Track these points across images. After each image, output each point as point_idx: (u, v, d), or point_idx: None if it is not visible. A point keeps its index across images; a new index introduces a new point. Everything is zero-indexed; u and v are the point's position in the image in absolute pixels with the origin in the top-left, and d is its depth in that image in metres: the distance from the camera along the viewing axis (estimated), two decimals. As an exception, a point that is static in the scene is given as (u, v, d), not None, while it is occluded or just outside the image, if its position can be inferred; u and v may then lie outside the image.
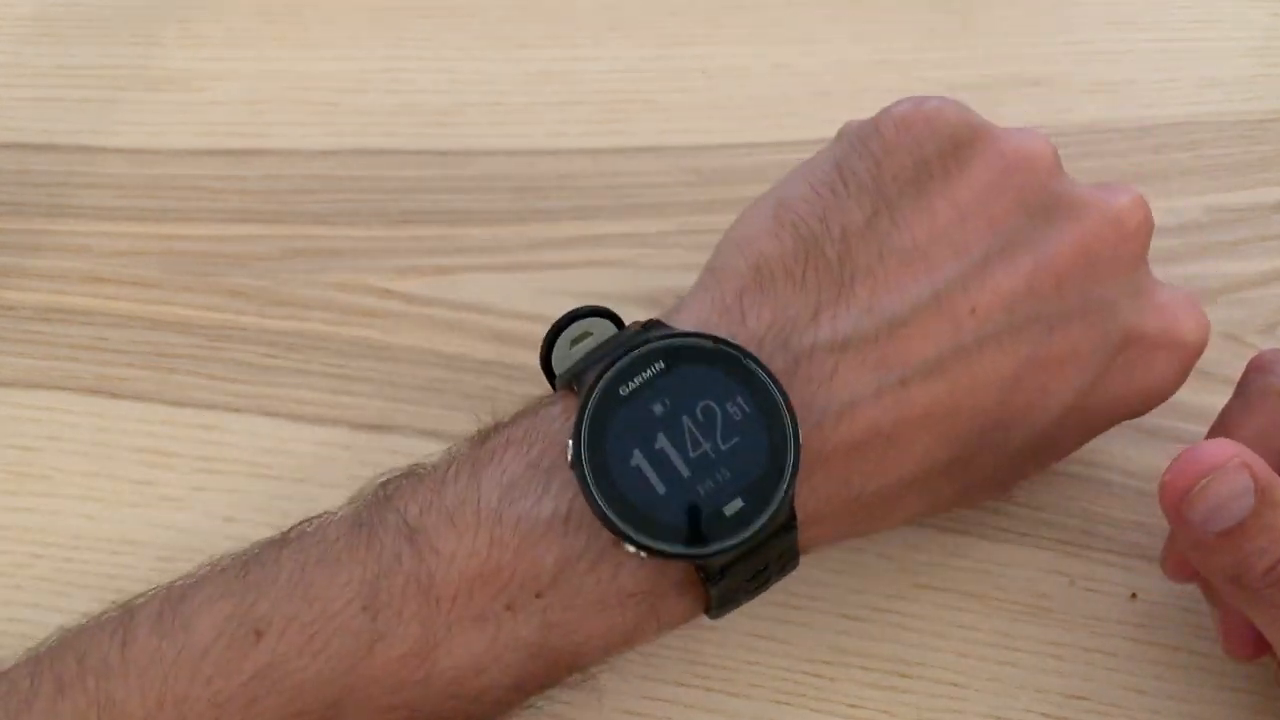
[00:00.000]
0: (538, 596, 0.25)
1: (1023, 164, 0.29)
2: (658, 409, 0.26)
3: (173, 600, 0.26)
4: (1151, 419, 0.37)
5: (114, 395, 0.39)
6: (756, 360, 0.26)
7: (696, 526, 0.25)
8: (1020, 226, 0.28)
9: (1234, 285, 0.40)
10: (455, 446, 0.28)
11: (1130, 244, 0.30)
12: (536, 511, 0.25)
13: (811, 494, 0.27)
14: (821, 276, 0.27)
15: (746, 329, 0.27)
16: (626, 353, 0.26)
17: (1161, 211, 0.42)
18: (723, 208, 0.42)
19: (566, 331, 0.29)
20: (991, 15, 0.47)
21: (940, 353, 0.27)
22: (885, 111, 0.30)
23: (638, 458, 0.25)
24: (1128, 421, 0.37)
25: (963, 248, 0.28)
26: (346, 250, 0.42)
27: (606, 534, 0.25)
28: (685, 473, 0.25)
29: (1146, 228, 0.30)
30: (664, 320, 0.28)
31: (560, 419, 0.27)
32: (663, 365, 0.26)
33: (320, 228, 0.42)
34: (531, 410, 0.28)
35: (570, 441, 0.25)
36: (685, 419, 0.25)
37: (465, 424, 0.38)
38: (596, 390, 0.26)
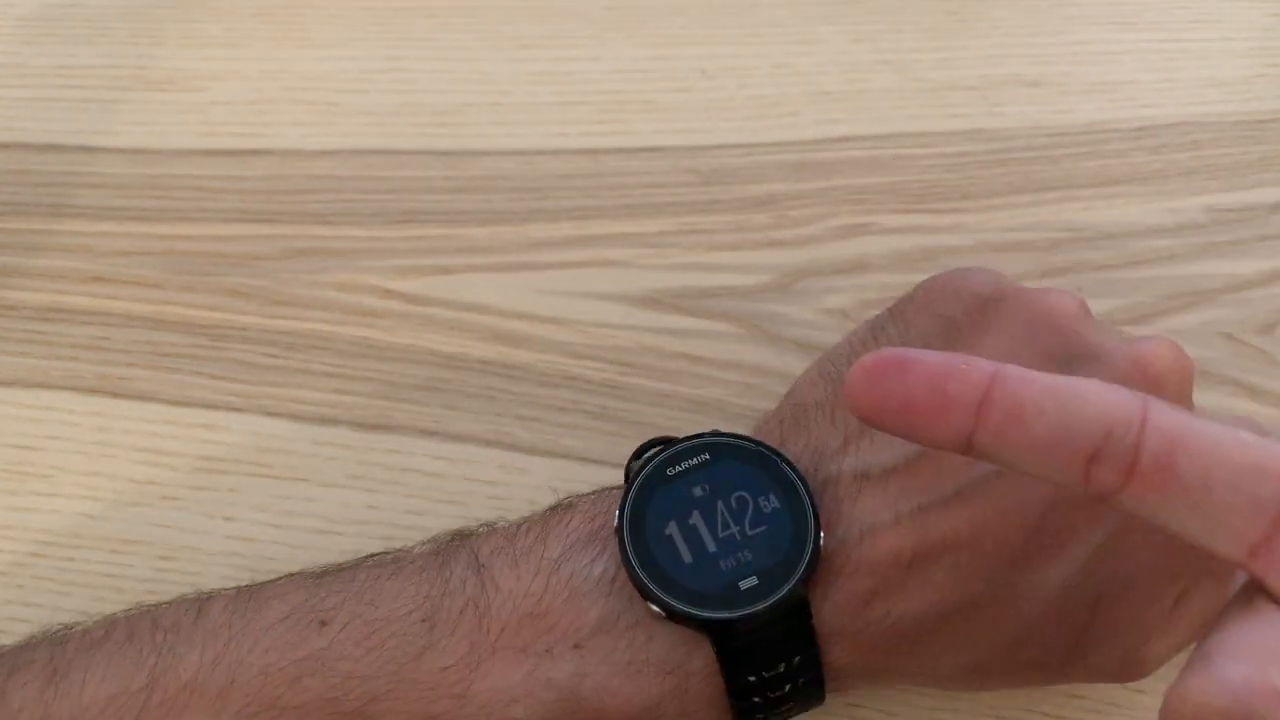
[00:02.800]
0: (575, 647, 0.28)
1: (1047, 316, 0.30)
2: (698, 492, 0.29)
3: (250, 591, 0.29)
4: (1150, 419, 0.37)
5: (115, 395, 0.39)
6: (791, 465, 0.29)
7: (713, 595, 0.27)
8: (1042, 369, 0.27)
9: (1233, 285, 0.40)
10: (533, 512, 0.31)
11: (1162, 390, 0.28)
12: (588, 570, 0.28)
13: (832, 607, 0.28)
14: (849, 415, 0.29)
15: (784, 450, 0.30)
16: (677, 443, 0.30)
17: (1161, 212, 0.42)
18: (723, 208, 0.43)
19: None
20: (991, 15, 0.47)
21: (959, 484, 0.28)
22: (924, 281, 0.32)
23: (672, 529, 0.28)
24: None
25: None
26: (347, 250, 0.42)
27: (642, 603, 0.28)
28: (712, 548, 0.28)
29: (1177, 372, 0.29)
30: None
31: (619, 498, 0.29)
32: (708, 457, 0.29)
33: (321, 228, 0.42)
34: (600, 492, 0.31)
35: (617, 510, 0.29)
36: (720, 504, 0.28)
37: (465, 424, 0.38)
38: (647, 468, 0.29)
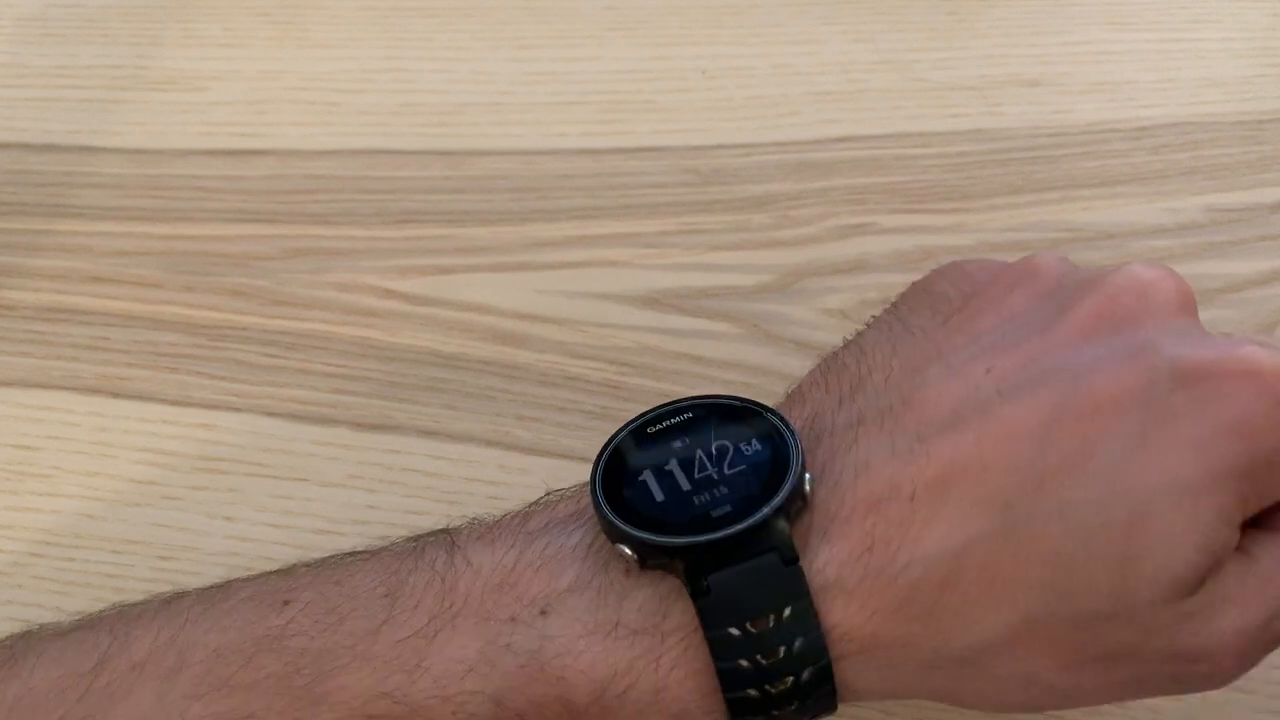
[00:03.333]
0: (542, 613, 0.26)
1: (1031, 268, 0.29)
2: (677, 445, 0.28)
3: (222, 585, 0.29)
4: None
5: (115, 395, 0.39)
6: (778, 414, 0.27)
7: (681, 524, 0.26)
8: (1039, 313, 0.28)
9: (1234, 285, 0.40)
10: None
11: (1158, 292, 0.28)
12: (564, 540, 0.27)
13: (831, 559, 0.25)
14: (842, 379, 0.29)
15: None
16: (661, 405, 0.28)
17: (1161, 212, 0.42)
18: (723, 208, 0.43)
19: None
20: (991, 15, 0.47)
21: (957, 409, 0.26)
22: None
23: (646, 475, 0.27)
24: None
25: (976, 333, 0.28)
26: (347, 250, 0.42)
27: (620, 565, 0.26)
28: (685, 486, 0.27)
29: (1171, 278, 0.28)
30: None
31: None
32: (689, 416, 0.28)
33: (321, 228, 0.42)
34: (587, 485, 0.30)
35: (595, 457, 0.27)
36: (699, 452, 0.27)
37: (465, 424, 0.38)
38: (628, 426, 0.28)
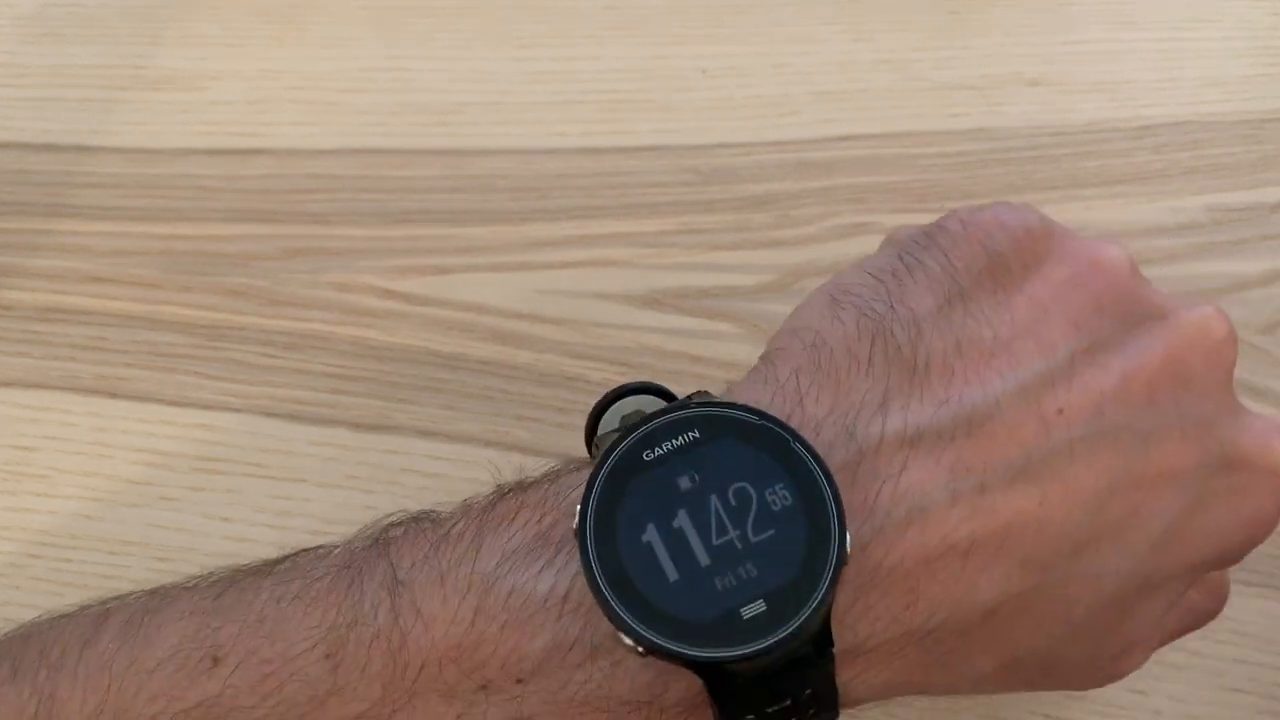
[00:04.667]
0: (518, 682, 0.22)
1: (1101, 264, 0.26)
2: (684, 483, 0.22)
3: (149, 610, 0.25)
4: (1152, 419, 0.37)
5: (113, 395, 0.39)
6: (806, 445, 0.23)
7: (706, 627, 0.21)
8: (1105, 329, 0.26)
9: (1235, 285, 0.40)
10: (472, 500, 0.25)
11: (1220, 358, 0.26)
12: (532, 586, 0.23)
13: (864, 615, 0.23)
14: (891, 361, 0.24)
15: (804, 412, 0.24)
16: (656, 416, 0.23)
17: (1162, 211, 0.42)
18: (723, 208, 0.42)
19: (616, 406, 0.26)
20: (991, 15, 0.47)
21: (1026, 456, 0.24)
22: (950, 213, 0.28)
23: (651, 534, 0.22)
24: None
25: (1048, 345, 0.25)
26: (346, 250, 0.42)
27: (606, 624, 0.22)
28: (704, 561, 0.22)
29: (1232, 343, 0.27)
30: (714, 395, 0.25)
31: (579, 487, 0.23)
32: (697, 435, 0.23)
33: (320, 227, 0.42)
34: (554, 475, 0.25)
35: (579, 506, 0.22)
36: (714, 499, 0.22)
37: (464, 424, 0.38)
38: (618, 450, 0.23)
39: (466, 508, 0.25)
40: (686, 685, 0.23)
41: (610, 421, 0.26)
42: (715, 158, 0.44)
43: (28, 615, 0.35)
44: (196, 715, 0.23)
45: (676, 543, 0.22)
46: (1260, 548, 0.35)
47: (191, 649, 0.24)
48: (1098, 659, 0.27)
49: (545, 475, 0.25)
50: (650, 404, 0.26)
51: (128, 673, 0.24)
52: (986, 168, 0.43)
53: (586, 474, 0.24)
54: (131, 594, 0.27)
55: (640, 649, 0.22)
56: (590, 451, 0.27)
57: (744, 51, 0.46)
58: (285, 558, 0.26)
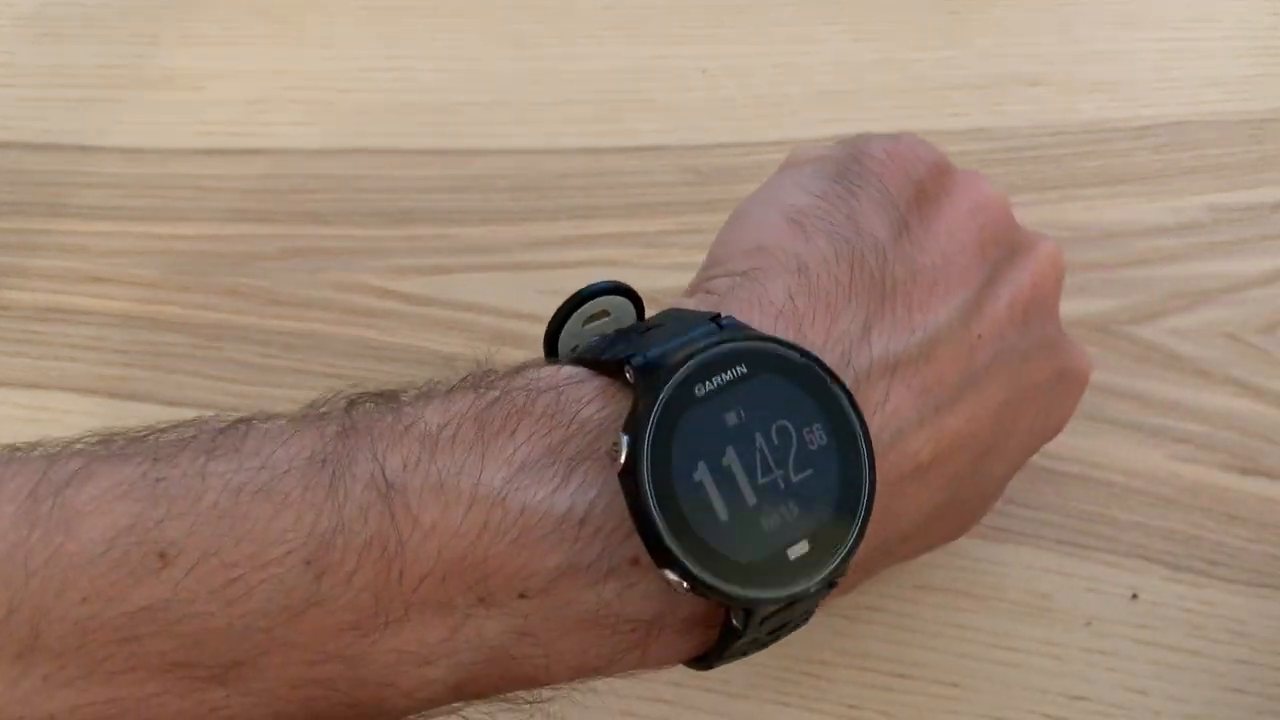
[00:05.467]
0: (521, 597, 0.22)
1: (988, 198, 0.29)
2: (731, 419, 0.22)
3: (54, 482, 0.21)
4: (1153, 419, 0.37)
5: (112, 395, 0.39)
6: (844, 387, 0.23)
7: (759, 566, 0.22)
8: (997, 258, 0.29)
9: (1235, 285, 0.40)
10: (446, 384, 0.24)
11: (1059, 286, 0.31)
12: (548, 505, 0.22)
13: None
14: (868, 286, 0.25)
15: (804, 338, 0.24)
16: (708, 346, 0.23)
17: (1163, 211, 0.42)
18: (723, 207, 0.42)
19: (583, 309, 0.26)
20: (991, 15, 0.47)
21: (962, 378, 0.26)
22: (865, 141, 0.30)
23: (702, 472, 0.22)
24: (1130, 423, 0.37)
25: (967, 274, 0.28)
26: (345, 250, 0.42)
27: (625, 548, 0.22)
28: (751, 500, 0.22)
29: (1064, 272, 0.31)
30: (694, 310, 0.25)
31: (593, 404, 0.23)
32: (744, 370, 0.23)
33: (319, 227, 0.42)
34: (548, 382, 0.23)
35: (625, 437, 0.21)
36: (759, 437, 0.22)
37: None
38: (671, 383, 0.22)
39: (445, 399, 0.23)
40: (692, 607, 0.23)
41: (574, 324, 0.26)
42: (715, 158, 0.44)
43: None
44: (140, 619, 0.21)
45: (726, 481, 0.22)
46: (1260, 548, 0.35)
47: (130, 543, 0.21)
48: (965, 527, 0.31)
49: (533, 379, 0.24)
50: (614, 304, 0.26)
51: (49, 566, 0.21)
52: (986, 168, 0.43)
53: (591, 386, 0.23)
54: (6, 449, 0.23)
55: (687, 586, 0.21)
56: (549, 354, 0.26)
57: (744, 51, 0.46)
58: (219, 430, 0.23)
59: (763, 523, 0.22)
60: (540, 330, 0.40)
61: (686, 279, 0.41)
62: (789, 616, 0.24)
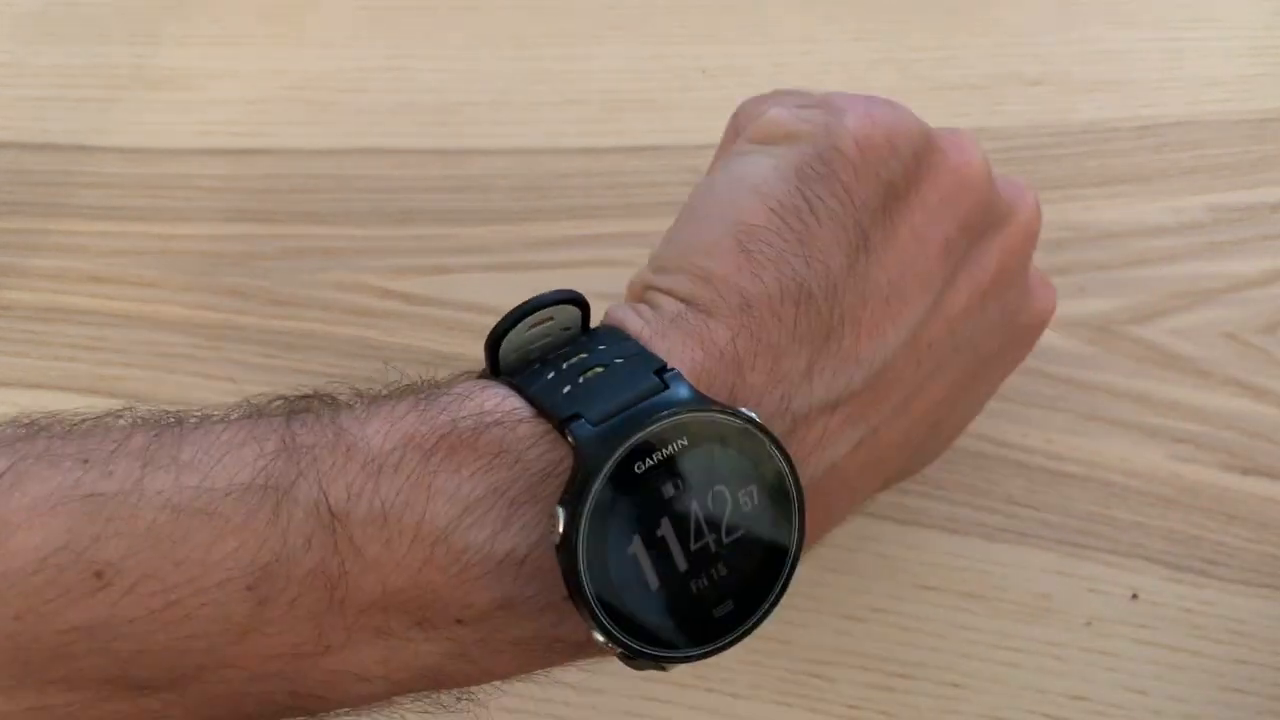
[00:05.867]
0: (458, 623, 0.22)
1: (967, 181, 0.28)
2: (668, 490, 0.22)
3: None
4: (1152, 419, 0.37)
5: (112, 395, 0.39)
6: (780, 447, 0.23)
7: (681, 630, 0.22)
8: (963, 245, 0.28)
9: (1235, 285, 0.40)
10: (387, 393, 0.24)
11: (1032, 248, 0.30)
12: (489, 547, 0.22)
13: None
14: (812, 324, 0.25)
15: (745, 383, 0.24)
16: (651, 420, 0.22)
17: (1163, 211, 0.42)
18: (722, 207, 0.42)
19: (529, 319, 0.26)
20: (992, 14, 0.47)
21: (906, 394, 0.27)
22: (838, 120, 0.27)
23: (636, 545, 0.22)
24: (1130, 423, 0.37)
25: (926, 279, 0.27)
26: (345, 250, 0.42)
27: (561, 586, 0.22)
28: (682, 566, 0.22)
29: (1039, 227, 0.30)
30: (657, 353, 0.24)
31: (537, 446, 0.23)
32: (685, 442, 0.22)
33: (319, 227, 0.42)
34: (494, 415, 0.23)
35: (562, 512, 0.21)
36: (694, 504, 0.22)
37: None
38: (612, 462, 0.22)
39: (390, 417, 0.23)
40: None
41: (520, 329, 0.25)
42: (715, 157, 0.44)
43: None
44: (76, 637, 0.20)
45: (659, 551, 0.22)
46: (1260, 548, 0.35)
47: (66, 561, 0.20)
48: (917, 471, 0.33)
49: (479, 410, 0.23)
50: (561, 312, 0.26)
51: None
52: (987, 167, 0.43)
53: (531, 427, 0.23)
54: None
55: (616, 651, 0.22)
56: (490, 359, 0.26)
57: (744, 51, 0.46)
58: (153, 434, 0.22)
59: (692, 587, 0.22)
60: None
61: (687, 279, 0.41)
62: None
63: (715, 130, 0.45)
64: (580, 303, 0.26)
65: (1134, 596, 0.34)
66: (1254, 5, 0.47)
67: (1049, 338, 0.33)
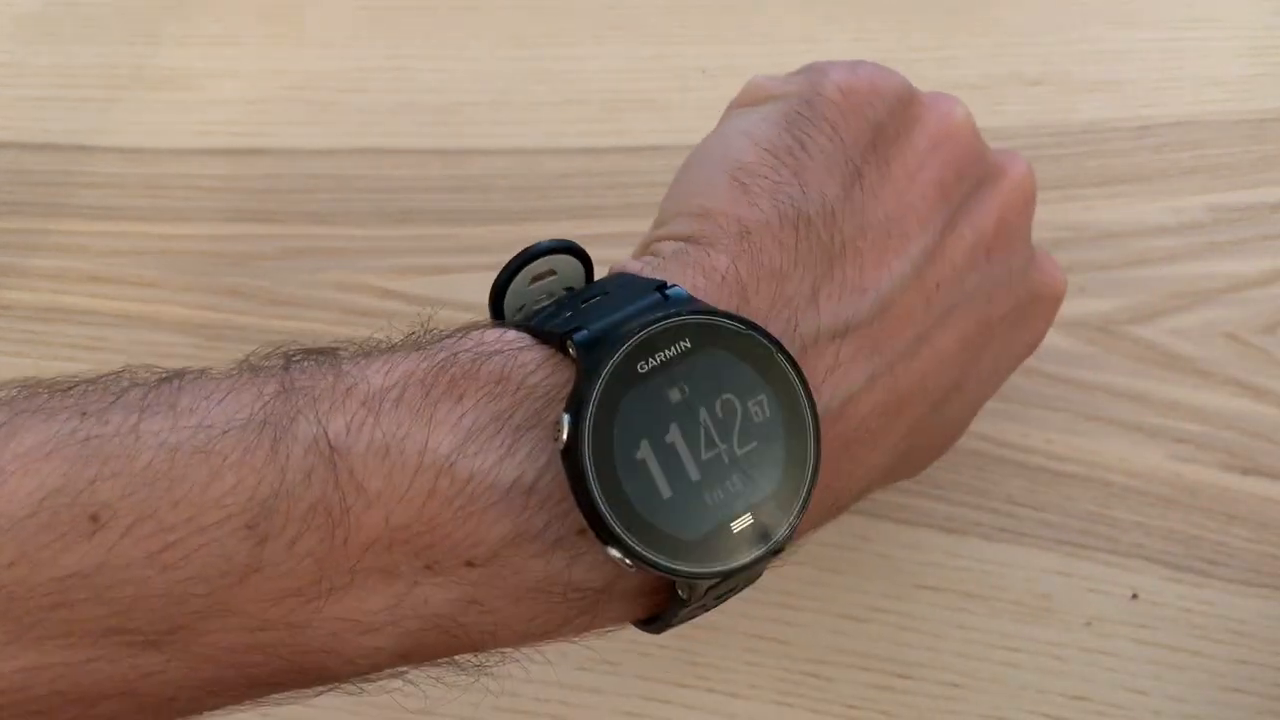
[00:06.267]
0: (468, 565, 0.21)
1: (953, 129, 0.29)
2: (674, 395, 0.22)
3: None
4: (1152, 419, 0.37)
5: (112, 395, 0.39)
6: (789, 356, 0.23)
7: (699, 541, 0.22)
8: (961, 192, 0.28)
9: (1235, 285, 0.40)
10: (388, 343, 0.24)
11: (1030, 210, 0.30)
12: (495, 474, 0.21)
13: None
14: (814, 249, 0.25)
15: (749, 306, 0.24)
16: (652, 322, 0.22)
17: (1163, 211, 0.42)
18: (722, 207, 0.42)
19: (529, 268, 0.25)
20: (991, 14, 0.47)
21: (915, 333, 0.26)
22: (821, 75, 0.28)
23: (645, 450, 0.21)
24: (1130, 423, 0.37)
25: (926, 218, 0.27)
26: (345, 250, 0.42)
27: (572, 518, 0.22)
28: (694, 475, 0.22)
29: (1035, 193, 0.31)
30: (639, 275, 0.25)
31: (539, 371, 0.22)
32: (688, 344, 0.22)
33: (319, 227, 0.42)
34: (494, 346, 0.23)
35: (567, 416, 0.21)
36: (703, 411, 0.22)
37: (464, 424, 0.38)
38: (615, 358, 0.22)
39: (387, 357, 0.23)
40: (641, 577, 0.22)
41: (521, 281, 0.25)
42: (715, 157, 0.44)
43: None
44: (71, 584, 0.20)
45: (669, 458, 0.22)
46: (1260, 548, 0.35)
47: (60, 504, 0.20)
48: (928, 464, 0.31)
49: (478, 342, 0.23)
50: (562, 264, 0.26)
51: None
52: (986, 167, 0.43)
53: (536, 354, 0.23)
54: None
55: (630, 564, 0.21)
56: (494, 314, 0.26)
57: (744, 51, 0.46)
58: (151, 385, 0.22)
59: (706, 497, 0.22)
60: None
61: (686, 279, 0.41)
62: (734, 582, 0.23)
63: (715, 130, 0.45)
64: (580, 253, 0.26)
65: (1134, 596, 0.34)
66: (1254, 5, 0.47)
67: (1049, 337, 0.33)
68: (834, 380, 0.24)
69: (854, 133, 0.27)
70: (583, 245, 0.42)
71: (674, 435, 0.22)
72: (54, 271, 0.41)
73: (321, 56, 0.46)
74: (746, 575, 0.23)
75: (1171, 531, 0.35)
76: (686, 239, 0.26)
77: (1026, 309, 0.30)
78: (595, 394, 0.21)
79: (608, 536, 0.21)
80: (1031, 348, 0.32)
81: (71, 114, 0.45)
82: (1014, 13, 0.47)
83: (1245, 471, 0.36)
